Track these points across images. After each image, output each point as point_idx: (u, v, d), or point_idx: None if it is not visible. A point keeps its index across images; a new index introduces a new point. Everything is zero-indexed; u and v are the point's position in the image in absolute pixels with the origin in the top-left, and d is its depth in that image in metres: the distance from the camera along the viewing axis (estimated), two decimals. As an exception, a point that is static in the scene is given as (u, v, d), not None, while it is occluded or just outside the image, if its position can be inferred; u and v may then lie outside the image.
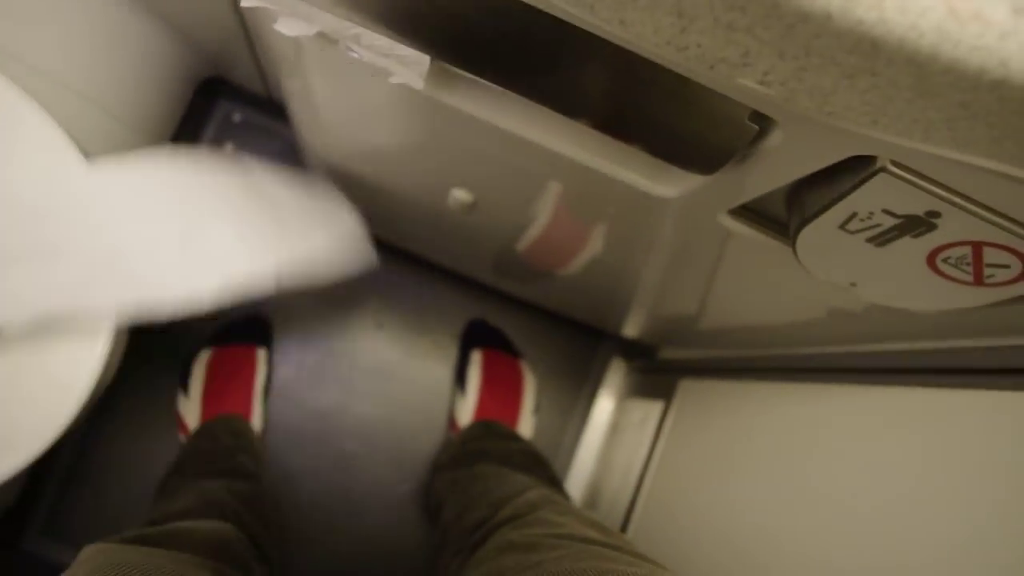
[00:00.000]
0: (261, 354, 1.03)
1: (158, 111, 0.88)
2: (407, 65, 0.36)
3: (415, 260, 1.09)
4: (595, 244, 0.66)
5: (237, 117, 1.07)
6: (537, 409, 1.10)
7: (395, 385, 1.10)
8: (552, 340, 1.15)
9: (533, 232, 0.69)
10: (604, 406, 1.16)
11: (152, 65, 0.82)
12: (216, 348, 1.02)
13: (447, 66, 0.38)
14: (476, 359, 1.08)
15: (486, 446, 0.95)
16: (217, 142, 1.06)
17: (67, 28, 0.71)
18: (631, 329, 1.01)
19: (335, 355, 1.09)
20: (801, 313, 0.62)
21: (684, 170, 0.39)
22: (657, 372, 1.06)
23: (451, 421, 1.09)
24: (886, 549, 0.52)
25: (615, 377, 1.16)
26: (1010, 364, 0.49)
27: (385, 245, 1.07)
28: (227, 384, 1.01)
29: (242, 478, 0.86)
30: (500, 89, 0.37)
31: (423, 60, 0.36)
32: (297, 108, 0.62)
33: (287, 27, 0.35)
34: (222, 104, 1.07)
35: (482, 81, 0.37)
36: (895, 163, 0.33)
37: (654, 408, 0.99)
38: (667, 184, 0.43)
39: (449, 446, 1.04)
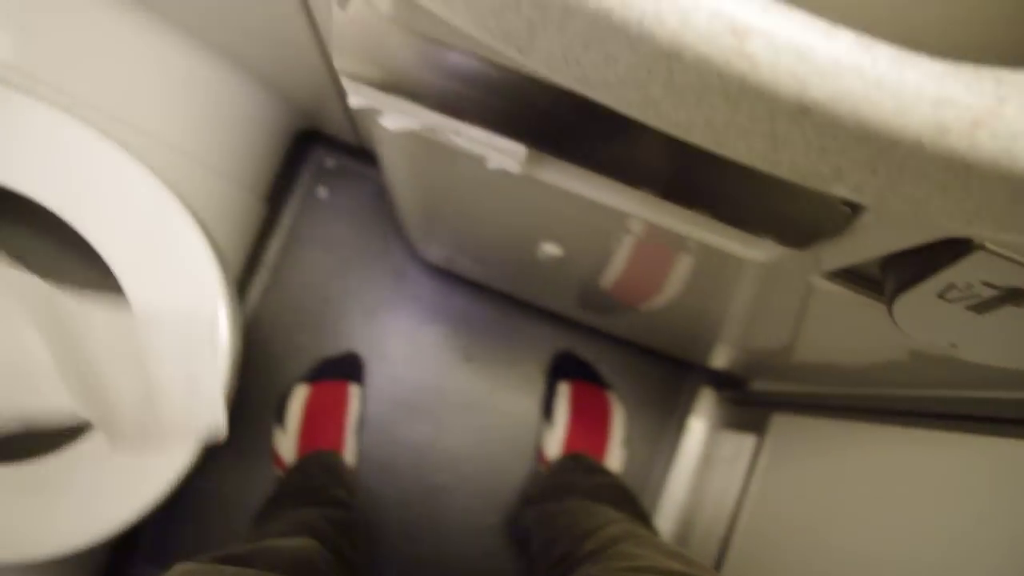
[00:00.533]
0: (354, 390, 1.06)
1: (258, 164, 0.92)
2: (503, 153, 0.38)
3: (501, 295, 1.11)
4: (681, 288, 0.67)
5: (330, 163, 1.11)
6: (627, 441, 1.10)
7: (484, 418, 1.12)
8: (639, 371, 1.15)
9: (620, 275, 0.70)
10: (694, 437, 1.15)
11: (253, 123, 0.87)
12: (311, 384, 1.06)
13: (539, 152, 0.39)
14: (564, 391, 1.09)
15: (575, 480, 0.96)
16: (310, 187, 1.11)
17: (174, 95, 0.76)
18: (719, 361, 1.01)
19: (425, 389, 1.11)
20: (900, 356, 0.61)
21: (774, 242, 0.39)
22: (748, 404, 1.04)
23: (539, 453, 1.10)
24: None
25: (705, 407, 1.16)
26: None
27: (471, 282, 1.10)
28: (322, 420, 1.04)
29: (335, 507, 0.89)
30: (588, 171, 0.38)
31: (519, 150, 0.37)
32: (391, 176, 0.64)
33: (392, 122, 0.38)
34: (315, 151, 1.11)
35: (571, 165, 0.38)
36: (993, 242, 0.33)
37: (746, 442, 0.98)
38: (758, 250, 0.43)
39: (538, 479, 1.05)
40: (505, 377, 1.13)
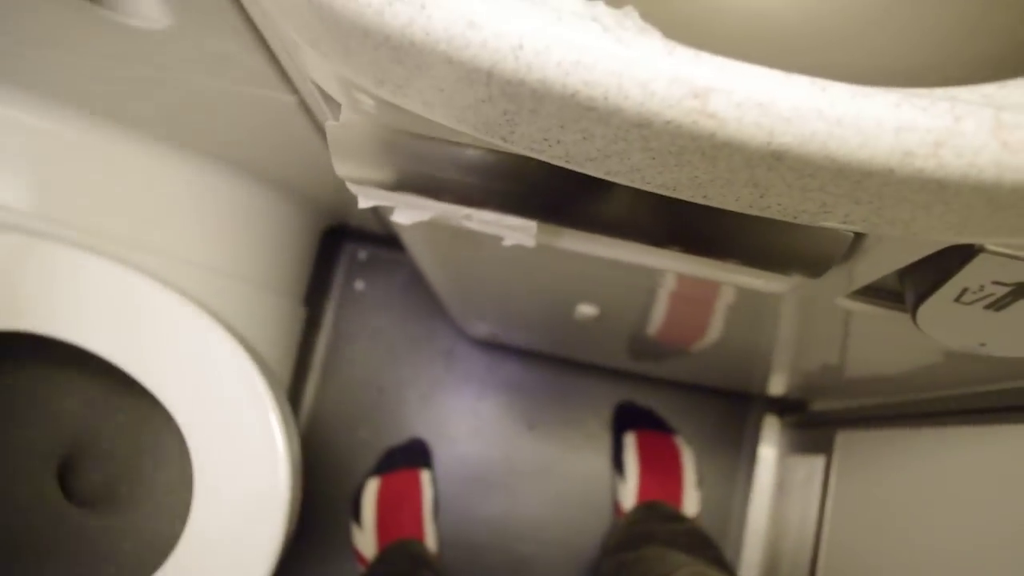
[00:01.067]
0: (425, 475, 1.09)
1: (293, 268, 0.96)
2: (516, 229, 0.41)
3: (552, 358, 1.14)
4: (720, 327, 0.68)
5: (362, 256, 1.15)
6: (700, 482, 1.11)
7: (556, 482, 1.13)
8: (701, 410, 1.16)
9: (657, 323, 0.72)
10: (767, 466, 1.15)
11: (282, 229, 0.91)
12: (382, 476, 1.09)
13: (549, 224, 0.42)
14: (630, 442, 1.10)
15: (651, 528, 0.96)
16: (347, 282, 1.15)
17: (204, 217, 0.80)
18: (776, 388, 1.01)
19: (493, 462, 1.13)
20: (938, 359, 0.62)
21: (787, 276, 0.41)
22: (812, 426, 1.04)
23: (616, 506, 1.11)
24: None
25: (771, 435, 1.16)
26: None
27: (520, 350, 1.12)
28: (398, 510, 1.06)
29: None
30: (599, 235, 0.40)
31: (530, 226, 0.40)
32: (419, 261, 0.67)
33: (403, 217, 0.41)
34: (347, 246, 1.16)
35: (580, 234, 0.41)
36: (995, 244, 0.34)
37: (817, 463, 0.97)
38: (778, 283, 0.45)
39: (616, 530, 1.05)
40: (570, 438, 1.14)
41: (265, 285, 0.88)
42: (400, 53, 0.26)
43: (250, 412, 0.70)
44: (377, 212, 0.94)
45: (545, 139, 0.28)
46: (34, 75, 0.64)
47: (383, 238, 1.14)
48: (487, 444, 1.13)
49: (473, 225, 0.42)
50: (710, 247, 0.40)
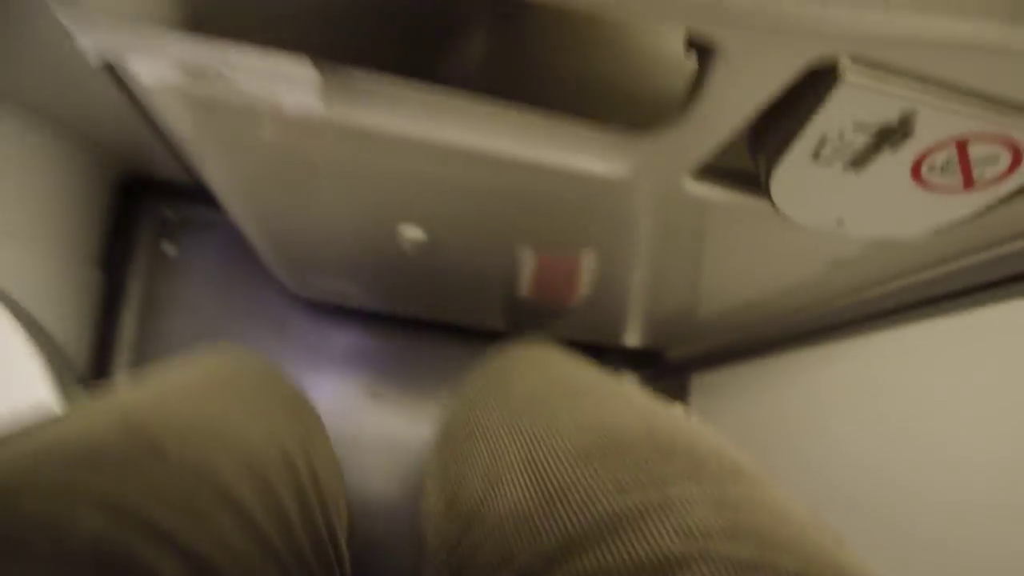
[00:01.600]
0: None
1: (77, 224, 0.80)
2: (296, 84, 0.32)
3: (395, 320, 1.05)
4: (557, 246, 0.63)
5: (171, 214, 0.99)
6: None
7: (407, 455, 1.05)
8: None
9: (496, 249, 0.66)
10: (623, 424, 1.11)
11: (53, 176, 0.76)
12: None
13: (337, 68, 0.34)
14: None
15: None
16: (155, 245, 1.00)
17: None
18: (632, 338, 0.97)
19: (337, 438, 1.03)
20: (797, 274, 0.58)
21: (627, 133, 0.35)
22: (668, 376, 1.01)
23: None
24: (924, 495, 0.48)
25: (627, 392, 1.12)
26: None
27: (358, 313, 1.03)
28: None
29: None
30: (402, 82, 0.33)
31: (307, 68, 0.32)
32: (217, 185, 0.58)
33: (145, 68, 0.32)
34: (152, 203, 0.99)
35: (381, 79, 0.33)
36: (856, 64, 0.30)
37: (674, 412, 0.94)
38: (615, 160, 0.39)
39: None
40: (422, 407, 1.06)
41: (36, 243, 0.74)
42: None
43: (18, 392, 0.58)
44: (183, 155, 0.82)
45: None
46: None
47: (196, 193, 0.99)
48: (328, 419, 1.03)
49: (241, 83, 0.33)
50: (536, 97, 0.34)
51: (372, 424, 1.05)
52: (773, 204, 0.39)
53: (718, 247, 0.55)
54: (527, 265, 0.66)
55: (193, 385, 0.41)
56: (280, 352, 1.03)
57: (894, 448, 0.53)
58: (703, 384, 0.88)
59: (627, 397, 0.42)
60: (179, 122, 0.41)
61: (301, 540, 0.38)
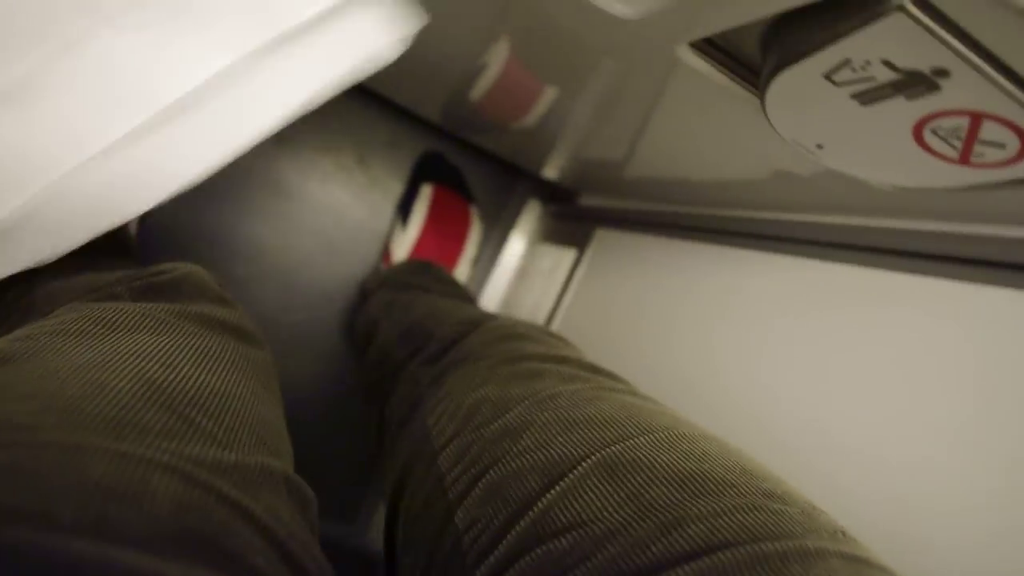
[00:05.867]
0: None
1: None
2: None
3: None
4: (529, 64, 0.58)
5: None
6: (476, 260, 1.04)
7: (290, 206, 1.01)
8: (473, 175, 1.07)
9: (462, 30, 0.60)
10: (515, 249, 1.11)
11: None
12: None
13: None
14: (427, 193, 1.01)
15: (426, 283, 0.88)
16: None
17: None
18: (552, 170, 0.95)
19: (227, 169, 0.98)
20: (740, 171, 0.56)
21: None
22: (573, 219, 1.00)
23: (386, 252, 1.03)
24: (778, 422, 0.50)
25: (529, 220, 1.11)
26: (961, 253, 0.45)
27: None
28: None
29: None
30: None
31: None
32: None
33: None
34: None
35: None
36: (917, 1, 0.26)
37: (566, 256, 0.94)
38: (627, 1, 0.35)
39: (380, 275, 0.96)
40: (320, 164, 1.02)
41: None
42: None
43: None
44: None
45: None
46: None
47: None
48: (223, 145, 0.97)
49: None
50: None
51: (266, 165, 0.99)
52: (763, 105, 0.36)
53: (675, 116, 0.52)
54: (491, 71, 0.61)
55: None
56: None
57: (764, 374, 0.54)
58: (605, 239, 0.87)
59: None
60: None
61: None
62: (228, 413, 0.38)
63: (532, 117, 0.71)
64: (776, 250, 0.59)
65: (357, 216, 1.04)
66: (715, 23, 0.33)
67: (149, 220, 0.94)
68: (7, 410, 0.30)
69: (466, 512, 0.40)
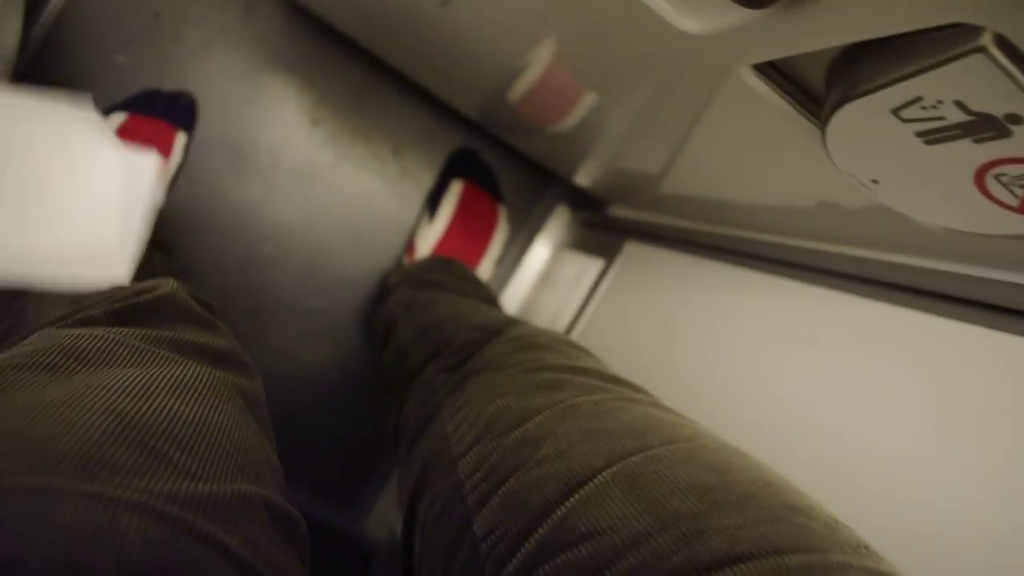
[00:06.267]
0: (180, 138, 0.92)
1: None
2: None
3: (365, 55, 0.98)
4: (583, 71, 0.58)
5: None
6: (500, 260, 1.04)
7: (320, 191, 1.01)
8: (499, 172, 1.07)
9: (516, 44, 0.60)
10: (540, 253, 1.10)
11: None
12: (131, 115, 0.90)
13: None
14: (457, 189, 1.01)
15: (446, 280, 0.88)
16: None
17: None
18: (584, 177, 0.94)
19: (260, 147, 0.98)
20: (783, 197, 0.56)
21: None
22: (602, 228, 1.00)
23: (410, 244, 1.03)
24: (804, 452, 0.49)
25: (556, 225, 1.10)
26: (1005, 303, 0.44)
27: (336, 33, 0.95)
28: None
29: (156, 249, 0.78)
30: None
31: None
32: None
33: None
34: None
35: None
36: (1001, 42, 0.26)
37: (593, 265, 0.93)
38: (695, 16, 0.34)
39: (403, 270, 0.96)
40: (354, 151, 1.01)
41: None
42: None
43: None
44: None
45: None
46: None
47: None
48: (259, 124, 0.97)
49: None
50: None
51: (301, 148, 0.99)
52: (822, 135, 0.36)
53: (721, 134, 0.51)
54: (532, 72, 0.61)
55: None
56: (240, 34, 0.95)
57: (790, 400, 0.54)
58: (635, 253, 0.86)
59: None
60: None
61: None
62: (203, 442, 0.38)
63: (570, 122, 0.70)
64: (810, 280, 0.58)
65: (385, 206, 1.04)
66: (785, 48, 0.33)
67: (176, 189, 0.94)
68: None
69: (485, 519, 0.40)
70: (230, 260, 0.99)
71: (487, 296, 0.89)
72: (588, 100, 0.61)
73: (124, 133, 0.89)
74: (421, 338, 0.71)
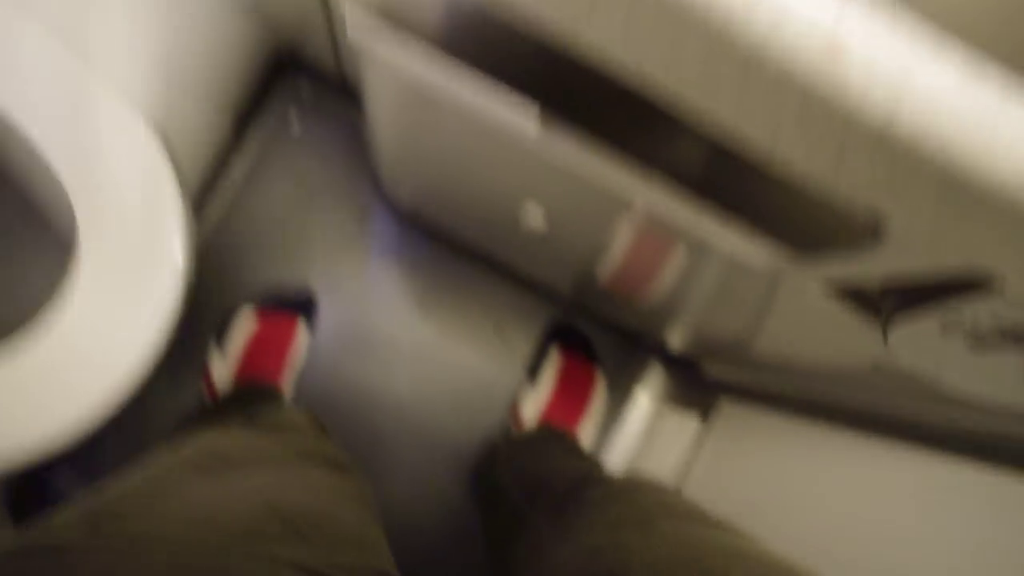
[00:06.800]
0: (303, 326, 1.03)
1: (227, 80, 0.87)
2: (513, 111, 0.35)
3: (471, 254, 1.09)
4: (669, 279, 0.65)
5: (306, 95, 1.07)
6: (600, 423, 1.10)
7: (432, 369, 1.10)
8: (593, 336, 1.14)
9: (606, 261, 0.68)
10: (639, 413, 1.15)
11: (223, 34, 0.82)
12: (260, 311, 1.02)
13: (554, 117, 0.37)
14: (557, 356, 1.08)
15: (552, 451, 0.94)
16: (284, 118, 1.06)
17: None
18: (676, 342, 1.00)
19: (378, 333, 1.09)
20: (867, 367, 0.60)
21: (782, 246, 0.38)
22: (698, 387, 1.05)
23: (514, 411, 1.09)
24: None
25: (651, 385, 1.15)
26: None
27: (436, 231, 1.07)
28: (265, 351, 1.00)
29: None
30: (601, 149, 0.36)
31: (530, 110, 0.35)
32: (374, 114, 0.61)
33: (387, 52, 0.35)
34: (292, 78, 1.07)
35: (585, 139, 0.36)
36: (1019, 278, 0.32)
37: (690, 423, 0.98)
38: (764, 258, 0.42)
39: (511, 437, 1.04)
40: (458, 330, 1.11)
41: (188, 82, 0.79)
42: None
43: (151, 198, 0.65)
44: (339, 50, 0.85)
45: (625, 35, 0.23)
46: None
47: (334, 84, 1.05)
48: (377, 313, 1.09)
49: (464, 95, 0.36)
50: (724, 198, 0.36)
51: (415, 332, 1.10)
52: (884, 340, 0.42)
53: (796, 318, 0.57)
54: (614, 259, 0.68)
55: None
56: (358, 240, 1.08)
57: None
58: (730, 413, 0.91)
59: None
60: (376, 77, 0.44)
61: None
62: (333, 527, 0.48)
63: (654, 300, 0.77)
64: (909, 442, 0.62)
65: (489, 374, 1.12)
66: (842, 280, 0.40)
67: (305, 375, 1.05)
68: (167, 530, 0.40)
69: None
70: (352, 437, 1.08)
71: (592, 462, 0.94)
72: (670, 285, 0.68)
73: (255, 329, 1.00)
74: (522, 485, 0.78)
